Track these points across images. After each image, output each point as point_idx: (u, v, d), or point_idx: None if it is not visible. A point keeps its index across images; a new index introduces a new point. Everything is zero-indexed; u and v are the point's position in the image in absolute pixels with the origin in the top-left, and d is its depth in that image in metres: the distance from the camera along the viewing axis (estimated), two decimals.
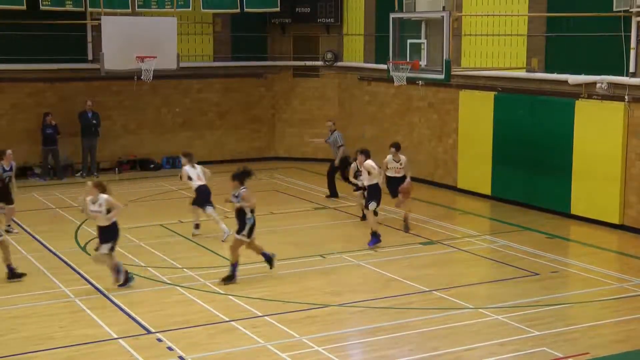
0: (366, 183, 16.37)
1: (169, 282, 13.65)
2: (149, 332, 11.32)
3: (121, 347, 10.80)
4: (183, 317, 11.83)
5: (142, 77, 22.07)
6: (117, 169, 24.37)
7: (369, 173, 16.22)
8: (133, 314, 11.99)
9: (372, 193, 16.17)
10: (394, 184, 17.35)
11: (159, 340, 11.00)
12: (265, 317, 11.88)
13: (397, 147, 17.64)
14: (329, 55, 25.91)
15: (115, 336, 11.16)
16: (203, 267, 14.52)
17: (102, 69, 21.90)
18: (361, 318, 12.12)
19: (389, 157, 17.51)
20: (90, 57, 23.90)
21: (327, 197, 20.54)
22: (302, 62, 26.30)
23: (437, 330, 11.41)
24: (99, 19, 21.99)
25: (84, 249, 15.74)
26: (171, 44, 22.43)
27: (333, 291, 13.24)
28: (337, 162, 20.17)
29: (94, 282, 13.55)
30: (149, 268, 14.43)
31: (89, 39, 23.90)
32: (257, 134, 26.72)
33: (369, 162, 16.27)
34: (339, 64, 25.93)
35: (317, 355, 10.54)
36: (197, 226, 16.81)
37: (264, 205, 19.02)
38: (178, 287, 13.32)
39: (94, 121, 23.43)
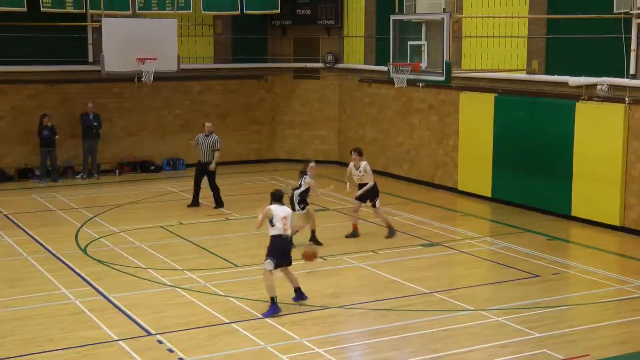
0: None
1: (169, 283, 13.64)
2: (149, 333, 11.31)
3: (121, 349, 10.80)
4: (183, 319, 11.82)
5: (142, 79, 22.07)
6: (117, 170, 24.36)
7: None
8: (133, 316, 11.98)
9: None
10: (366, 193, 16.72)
11: (160, 342, 10.99)
12: (266, 319, 11.87)
13: (358, 152, 16.85)
14: (329, 57, 25.91)
15: (116, 338, 11.15)
16: (203, 269, 14.50)
17: (103, 70, 21.90)
18: (361, 320, 12.12)
19: (351, 163, 16.87)
20: (90, 58, 23.89)
21: (189, 206, 19.48)
22: (303, 64, 26.31)
23: (437, 332, 11.40)
24: (100, 21, 21.98)
25: (84, 250, 15.73)
26: (171, 46, 22.43)
27: (333, 293, 13.23)
28: (212, 166, 19.38)
29: (94, 284, 13.54)
30: (149, 270, 14.42)
31: (90, 40, 23.89)
32: (257, 135, 26.71)
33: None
34: (340, 65, 25.92)
35: (318, 357, 10.54)
36: None
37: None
38: (178, 289, 13.31)
39: (95, 123, 23.41)
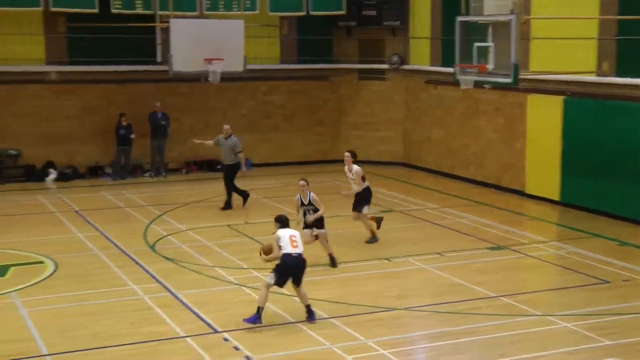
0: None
1: (235, 282, 13.76)
2: (215, 331, 11.43)
3: (188, 345, 10.93)
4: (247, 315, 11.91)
5: (209, 79, 22.32)
6: (184, 169, 24.67)
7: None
8: (200, 313, 12.12)
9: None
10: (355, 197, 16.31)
11: (226, 339, 11.09)
12: (331, 319, 11.89)
13: (351, 154, 16.22)
14: (395, 59, 25.82)
15: (183, 334, 11.29)
16: (269, 268, 14.52)
17: (171, 70, 22.23)
18: (426, 322, 12.05)
19: (346, 166, 16.31)
20: (159, 59, 24.23)
21: (223, 209, 19.42)
22: (368, 65, 26.28)
23: (503, 337, 11.28)
24: (168, 22, 22.31)
25: (152, 247, 15.97)
26: (238, 47, 22.64)
27: (398, 294, 13.19)
28: (244, 168, 19.57)
29: (162, 280, 13.74)
30: (216, 268, 14.57)
31: (158, 41, 24.22)
32: (322, 136, 26.77)
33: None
34: (405, 67, 25.83)
35: (382, 358, 10.52)
36: None
37: (329, 208, 19.05)
38: (244, 288, 13.42)
39: (164, 122, 23.76)
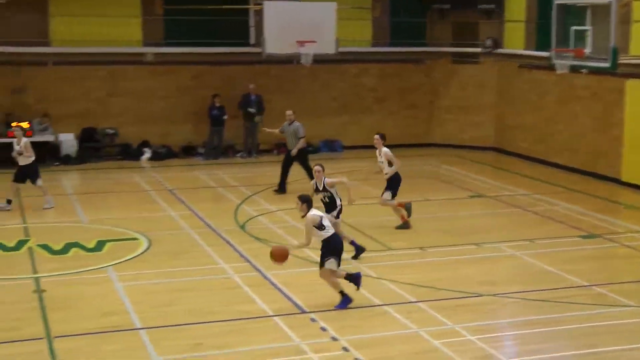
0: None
1: None
2: (303, 311, 11.54)
3: (276, 324, 11.07)
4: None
5: (301, 62, 22.43)
6: (275, 150, 24.90)
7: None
8: (288, 293, 12.25)
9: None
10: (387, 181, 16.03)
11: (313, 320, 11.18)
12: (418, 303, 11.86)
13: (381, 136, 15.97)
14: (489, 42, 25.40)
15: (271, 314, 11.44)
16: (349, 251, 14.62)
17: (264, 52, 22.43)
18: (515, 309, 11.90)
19: (377, 149, 16.03)
20: (252, 41, 24.48)
21: (276, 191, 19.40)
22: (461, 48, 25.95)
23: (595, 327, 11.04)
24: (261, 4, 22.50)
25: (243, 227, 16.20)
26: (330, 29, 22.70)
27: (487, 280, 13.05)
28: (294, 151, 19.29)
29: (252, 260, 13.94)
30: (304, 249, 14.66)
31: (252, 23, 24.47)
32: (414, 120, 26.61)
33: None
34: (499, 50, 25.39)
35: (470, 344, 10.44)
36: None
37: (419, 192, 19.00)
38: None
39: (255, 104, 24.02)
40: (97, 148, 23.86)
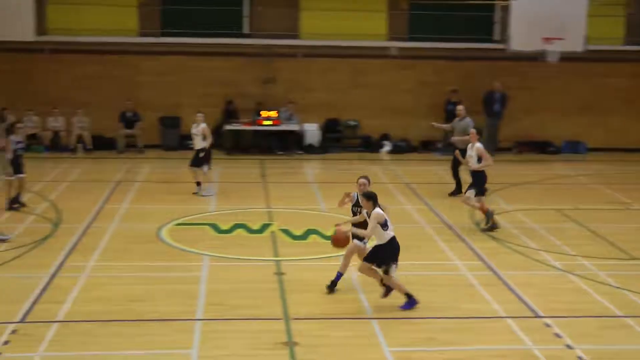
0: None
1: (560, 268, 13.41)
2: (537, 315, 11.24)
3: (507, 326, 10.86)
4: (573, 306, 11.57)
5: (547, 59, 21.82)
6: (515, 149, 24.43)
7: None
8: (523, 295, 11.98)
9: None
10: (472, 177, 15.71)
11: (547, 325, 10.86)
12: None
13: (477, 130, 16.04)
14: None
15: (503, 315, 11.24)
16: (597, 257, 14.03)
17: (508, 49, 22.04)
18: None
19: (470, 143, 15.80)
20: (496, 37, 24.12)
21: (451, 194, 18.47)
22: None
23: None
24: (509, 0, 22.11)
25: (478, 225, 16.04)
26: (579, 26, 21.92)
27: None
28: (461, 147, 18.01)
29: (486, 259, 13.78)
30: (541, 251, 14.30)
31: (496, 18, 24.12)
32: None
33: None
34: None
35: None
36: None
37: None
38: (570, 275, 13.04)
39: (501, 102, 23.65)
40: (338, 139, 24.59)
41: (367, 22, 24.63)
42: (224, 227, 15.51)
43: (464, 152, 17.74)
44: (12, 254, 13.47)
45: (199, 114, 18.23)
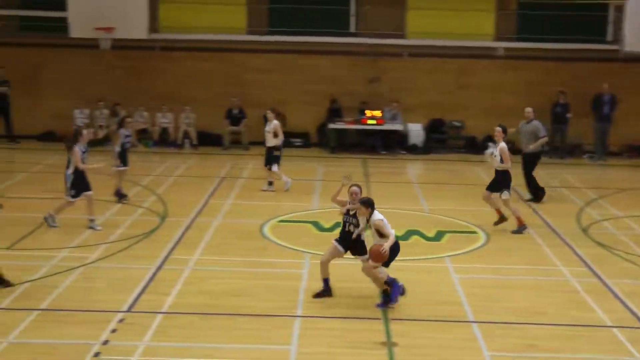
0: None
1: None
2: None
3: (614, 335, 10.56)
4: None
5: None
6: (626, 154, 23.72)
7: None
8: (630, 304, 11.61)
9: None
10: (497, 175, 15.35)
11: None
12: None
13: (503, 129, 15.27)
14: None
15: (609, 324, 10.92)
16: None
17: (622, 50, 21.41)
18: None
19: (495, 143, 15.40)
20: (609, 37, 23.45)
21: (530, 201, 17.87)
22: None
23: None
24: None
25: (585, 231, 15.63)
26: None
27: None
28: (532, 146, 17.61)
29: (592, 266, 13.41)
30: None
31: (611, 19, 23.44)
32: None
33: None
34: None
35: None
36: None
37: None
38: None
39: (610, 104, 23.00)
40: (442, 140, 24.38)
41: (474, 22, 24.35)
42: (326, 225, 15.58)
43: (535, 157, 17.65)
44: (122, 245, 13.90)
45: (270, 113, 18.30)
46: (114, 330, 10.21)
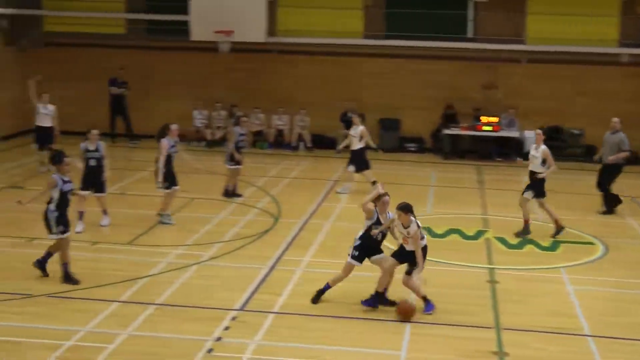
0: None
1: None
2: None
3: None
4: None
5: None
6: None
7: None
8: None
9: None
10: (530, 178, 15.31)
11: None
12: None
13: (543, 132, 15.54)
14: None
15: None
16: None
17: None
18: None
19: (534, 144, 15.37)
20: None
21: (604, 213, 17.19)
22: None
23: None
24: None
25: None
26: None
27: None
28: (611, 159, 16.79)
29: None
30: None
31: None
32: None
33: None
34: None
35: None
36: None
37: None
38: None
39: None
40: (561, 147, 23.75)
41: (597, 27, 23.67)
42: (439, 231, 15.45)
43: (614, 169, 17.01)
44: (237, 244, 14.17)
45: (355, 116, 18.87)
46: (226, 328, 10.42)
